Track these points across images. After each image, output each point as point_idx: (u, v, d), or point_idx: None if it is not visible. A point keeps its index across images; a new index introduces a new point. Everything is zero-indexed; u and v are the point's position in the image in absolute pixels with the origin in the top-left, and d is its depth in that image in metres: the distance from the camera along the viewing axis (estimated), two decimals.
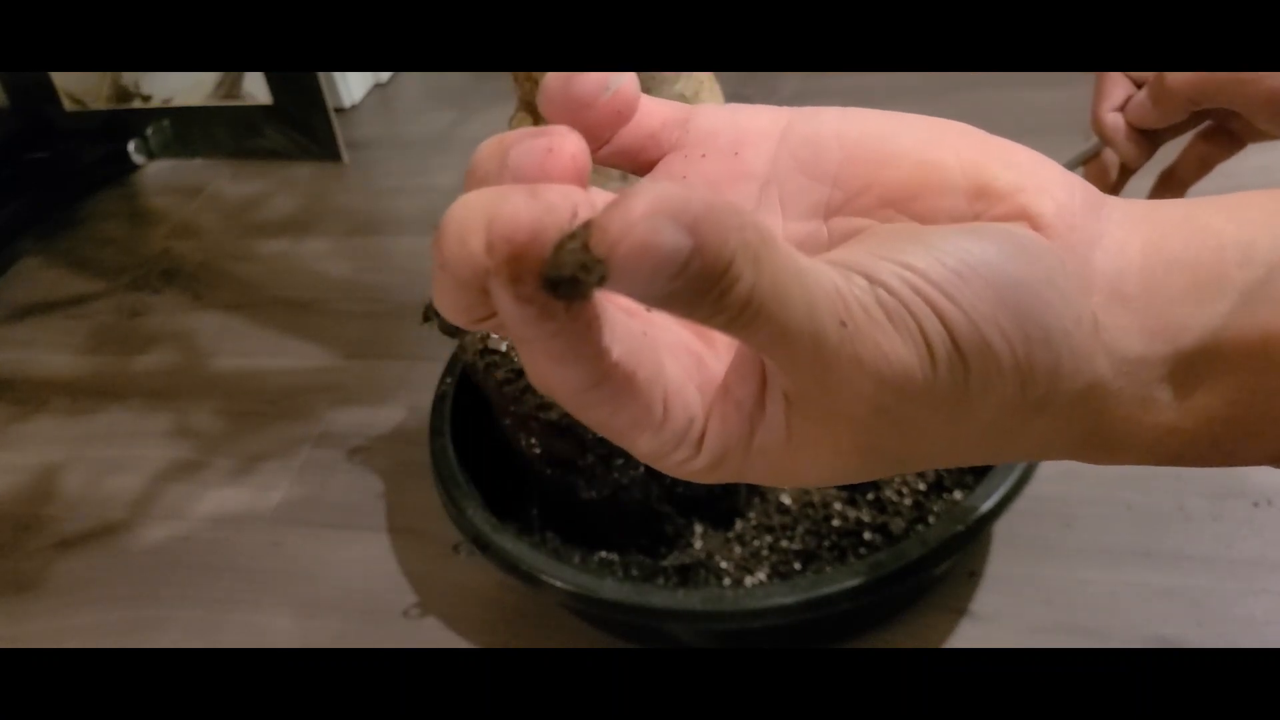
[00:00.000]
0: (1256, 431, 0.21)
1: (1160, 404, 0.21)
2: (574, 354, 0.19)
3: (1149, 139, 0.50)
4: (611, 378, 0.20)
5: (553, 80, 0.22)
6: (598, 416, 0.21)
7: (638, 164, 0.24)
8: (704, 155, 0.23)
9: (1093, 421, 0.21)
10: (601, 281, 0.16)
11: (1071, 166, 0.54)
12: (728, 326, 0.18)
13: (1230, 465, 0.22)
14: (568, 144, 0.20)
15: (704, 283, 0.16)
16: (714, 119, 0.24)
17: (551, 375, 0.19)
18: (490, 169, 0.20)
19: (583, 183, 0.20)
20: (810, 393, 0.20)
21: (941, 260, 0.19)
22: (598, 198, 0.21)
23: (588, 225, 0.16)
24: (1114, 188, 0.53)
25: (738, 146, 0.23)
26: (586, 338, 0.19)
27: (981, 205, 0.21)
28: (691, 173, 0.23)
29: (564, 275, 0.16)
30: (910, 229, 0.21)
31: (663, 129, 0.24)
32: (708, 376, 0.22)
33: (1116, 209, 0.22)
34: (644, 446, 0.21)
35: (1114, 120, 0.50)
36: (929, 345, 0.19)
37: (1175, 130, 0.50)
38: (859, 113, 0.23)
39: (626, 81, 0.22)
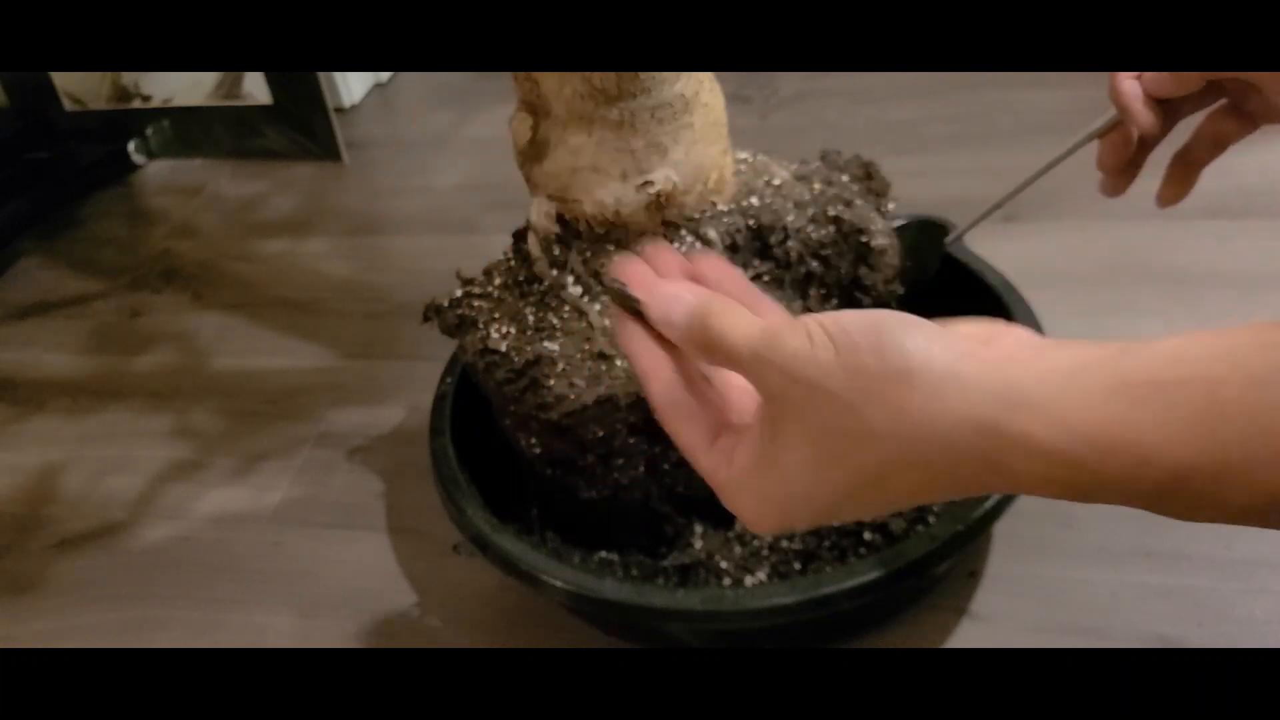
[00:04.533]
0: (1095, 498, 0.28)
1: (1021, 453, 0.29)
2: (646, 377, 0.37)
3: (1166, 110, 0.49)
4: (677, 403, 0.37)
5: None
6: (670, 430, 0.37)
7: None
8: None
9: (981, 454, 0.29)
10: (634, 310, 0.38)
11: (1089, 139, 0.53)
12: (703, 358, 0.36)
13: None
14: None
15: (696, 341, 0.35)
16: None
17: (643, 388, 0.37)
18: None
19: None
20: (764, 406, 0.33)
21: (831, 314, 0.32)
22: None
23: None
24: (1133, 161, 0.52)
25: None
26: (656, 365, 0.37)
27: None
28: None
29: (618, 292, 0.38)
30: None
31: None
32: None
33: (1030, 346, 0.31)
34: (699, 463, 0.36)
35: (1131, 87, 0.48)
36: (810, 337, 0.31)
37: (1194, 103, 0.49)
38: None
39: None
